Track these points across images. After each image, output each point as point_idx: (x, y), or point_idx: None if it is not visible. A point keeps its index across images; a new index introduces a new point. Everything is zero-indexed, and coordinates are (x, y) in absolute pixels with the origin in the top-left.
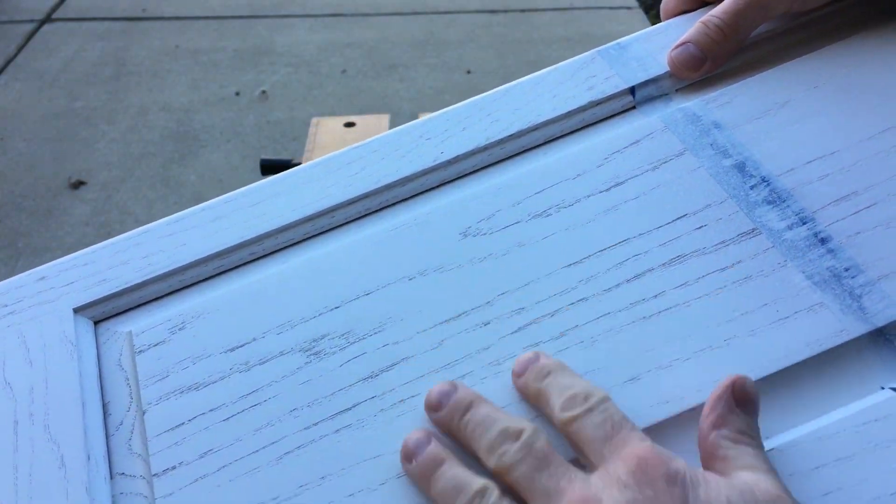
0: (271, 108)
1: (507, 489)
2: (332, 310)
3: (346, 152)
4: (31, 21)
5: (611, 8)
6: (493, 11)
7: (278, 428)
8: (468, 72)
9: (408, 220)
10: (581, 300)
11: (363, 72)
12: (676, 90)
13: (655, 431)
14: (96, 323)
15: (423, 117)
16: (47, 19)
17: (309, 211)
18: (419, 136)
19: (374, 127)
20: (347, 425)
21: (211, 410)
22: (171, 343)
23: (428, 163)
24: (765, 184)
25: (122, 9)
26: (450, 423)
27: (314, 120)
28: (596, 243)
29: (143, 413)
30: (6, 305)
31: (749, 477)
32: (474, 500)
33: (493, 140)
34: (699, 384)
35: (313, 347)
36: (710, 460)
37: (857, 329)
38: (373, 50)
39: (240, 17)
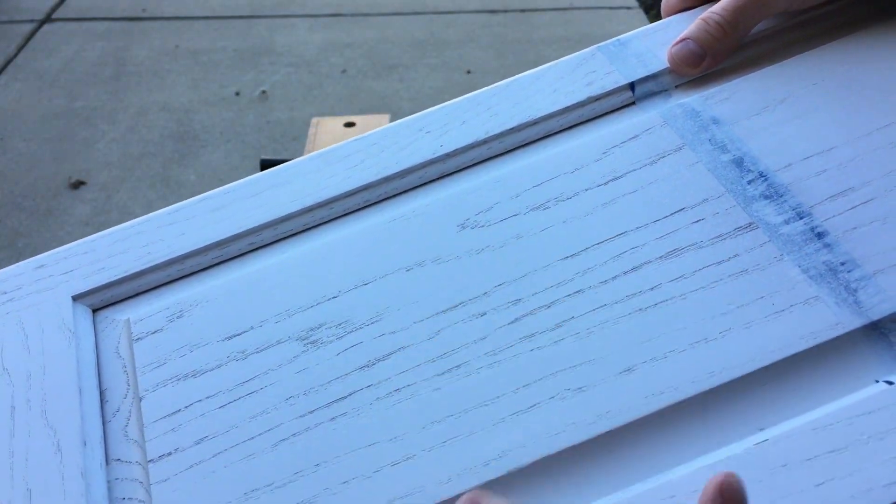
0: (271, 108)
1: None
2: (329, 299)
3: (346, 145)
4: (31, 21)
5: (610, 8)
6: (493, 11)
7: (274, 415)
8: (468, 72)
9: (406, 212)
10: (577, 292)
11: (363, 72)
12: (676, 86)
13: (649, 422)
14: (95, 311)
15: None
16: (47, 19)
17: (308, 202)
18: (419, 129)
19: (373, 127)
20: (343, 413)
21: (207, 398)
22: (168, 331)
23: (427, 156)
24: (762, 179)
25: (122, 9)
26: None
27: (314, 120)
28: (593, 236)
29: (140, 400)
30: (5, 293)
31: None
32: None
33: (492, 134)
34: (694, 376)
35: (310, 336)
36: None
37: (852, 322)
38: (373, 50)
39: (240, 17)
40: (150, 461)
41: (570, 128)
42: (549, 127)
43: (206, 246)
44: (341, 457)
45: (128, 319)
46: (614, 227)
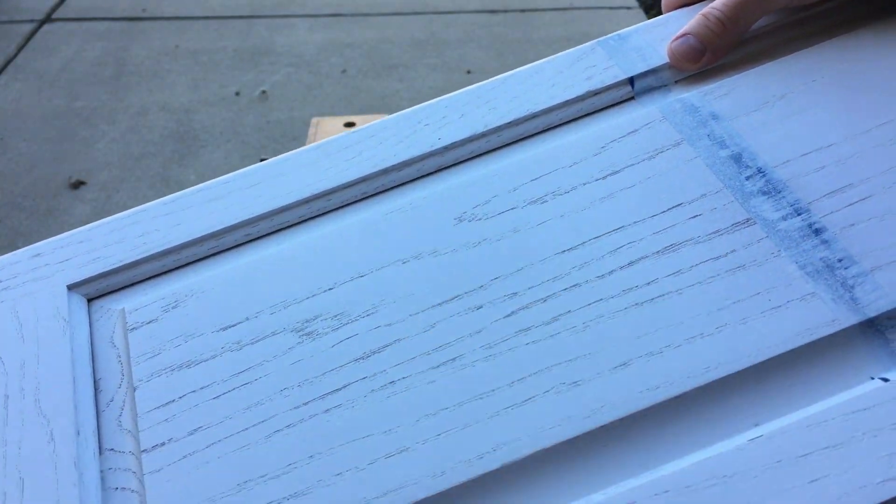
0: (271, 108)
1: None
2: (325, 291)
3: (344, 136)
4: (31, 21)
5: (610, 8)
6: (493, 11)
7: (268, 407)
8: (468, 72)
9: (403, 205)
10: (574, 286)
11: (363, 72)
12: (675, 81)
13: (644, 417)
14: (90, 300)
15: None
16: (47, 19)
17: (305, 193)
18: (417, 121)
19: None
20: (337, 405)
21: (202, 388)
22: (163, 321)
23: (425, 148)
24: (760, 175)
25: (122, 9)
26: None
27: (314, 120)
28: (590, 230)
29: (134, 390)
30: (1, 281)
31: None
32: None
33: (490, 127)
34: (690, 371)
35: (305, 328)
36: None
37: (849, 319)
38: (373, 50)
39: (240, 17)
40: (143, 451)
41: (569, 122)
42: (548, 121)
43: (202, 236)
44: (335, 448)
45: (123, 309)
46: (612, 221)
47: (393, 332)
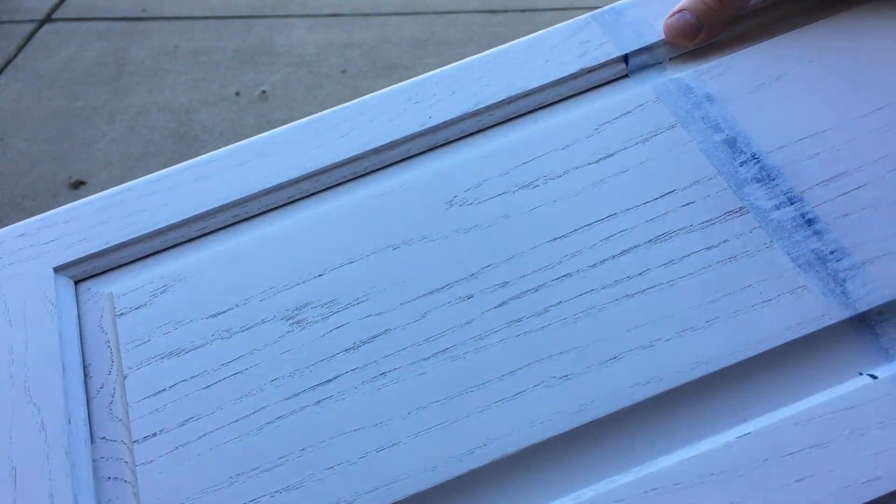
0: (271, 108)
1: None
2: (315, 277)
3: (334, 113)
4: (31, 21)
5: None
6: (493, 11)
7: (259, 397)
8: None
9: (394, 187)
10: (565, 276)
11: (363, 72)
12: (670, 59)
13: (634, 412)
14: (77, 283)
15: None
16: (47, 19)
17: (294, 173)
18: (408, 98)
19: None
20: (328, 397)
21: (192, 377)
22: (152, 307)
23: (416, 128)
24: (755, 161)
25: (122, 9)
26: None
27: None
28: (582, 217)
29: (125, 378)
30: None
31: None
32: None
33: (482, 106)
34: (680, 366)
35: (296, 316)
36: None
37: (839, 314)
38: (373, 50)
39: (240, 17)
40: (135, 441)
41: (562, 100)
42: (541, 99)
43: (189, 217)
44: (326, 441)
45: (111, 293)
46: (604, 208)
47: (383, 321)
